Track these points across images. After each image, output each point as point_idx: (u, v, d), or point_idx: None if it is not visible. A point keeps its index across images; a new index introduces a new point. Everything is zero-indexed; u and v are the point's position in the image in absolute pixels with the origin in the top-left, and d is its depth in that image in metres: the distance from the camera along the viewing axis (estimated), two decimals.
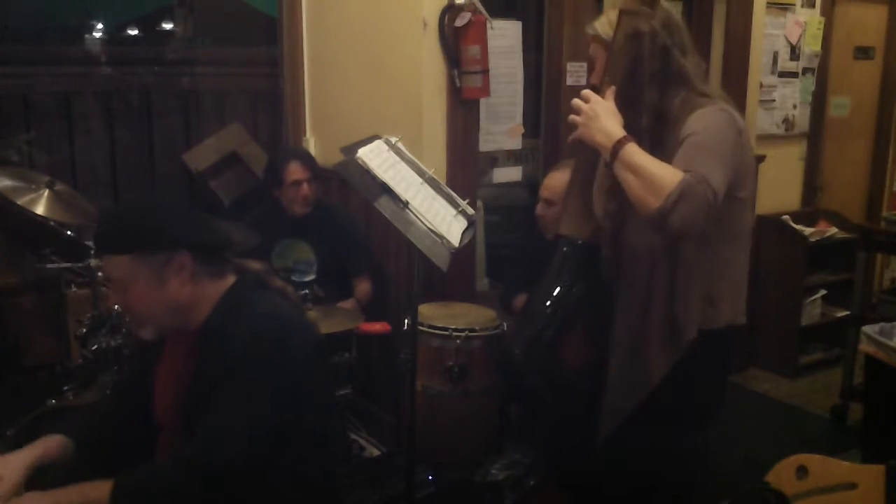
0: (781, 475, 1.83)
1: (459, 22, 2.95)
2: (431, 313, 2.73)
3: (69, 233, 2.79)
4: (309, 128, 3.70)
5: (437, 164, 2.99)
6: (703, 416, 2.06)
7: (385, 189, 1.98)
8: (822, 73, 4.61)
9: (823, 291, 4.45)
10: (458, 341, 2.63)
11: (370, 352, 3.25)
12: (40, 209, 2.73)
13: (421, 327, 2.58)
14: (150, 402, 1.77)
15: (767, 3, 4.21)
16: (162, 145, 3.84)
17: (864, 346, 3.16)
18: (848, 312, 4.21)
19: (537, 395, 2.23)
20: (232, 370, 1.56)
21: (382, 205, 1.95)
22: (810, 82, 4.56)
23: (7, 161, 3.41)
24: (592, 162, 1.89)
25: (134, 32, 4.18)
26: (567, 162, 2.88)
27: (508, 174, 3.65)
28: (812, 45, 4.51)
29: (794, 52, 4.43)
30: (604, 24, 1.99)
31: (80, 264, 2.70)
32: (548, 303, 2.09)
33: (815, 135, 4.68)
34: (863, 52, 4.95)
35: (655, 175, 1.68)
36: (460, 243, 2.05)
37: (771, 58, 4.33)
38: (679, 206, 1.64)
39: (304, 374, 1.63)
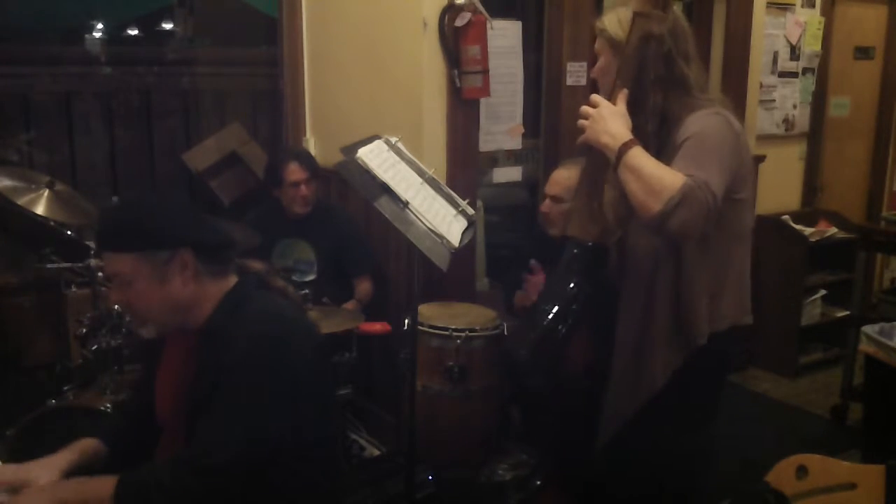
0: (781, 475, 1.82)
1: (459, 22, 2.95)
2: (431, 313, 2.73)
3: (69, 233, 2.79)
4: (309, 128, 3.70)
5: (437, 164, 2.99)
6: (704, 416, 2.06)
7: (385, 189, 1.98)
8: (822, 73, 4.61)
9: (823, 291, 4.45)
10: (458, 341, 2.63)
11: (370, 352, 3.25)
12: (40, 209, 2.72)
13: (421, 327, 2.57)
14: (153, 402, 1.77)
15: (767, 3, 4.21)
16: (162, 145, 3.84)
17: (864, 346, 3.16)
18: (848, 312, 4.21)
19: (542, 397, 2.23)
20: (233, 371, 1.56)
21: (382, 205, 1.95)
22: (810, 82, 4.56)
23: (7, 161, 3.41)
24: (601, 165, 1.89)
25: (134, 32, 4.18)
26: (572, 160, 2.88)
27: (508, 174, 3.65)
28: (812, 45, 4.51)
29: (794, 52, 4.43)
30: (613, 22, 1.97)
31: (80, 264, 2.69)
32: (555, 305, 2.09)
33: (815, 135, 4.69)
34: (863, 52, 4.95)
35: (657, 178, 1.69)
36: (460, 243, 2.05)
37: (771, 58, 4.33)
38: (679, 211, 1.64)
39: (305, 375, 1.63)
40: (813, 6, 4.45)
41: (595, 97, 1.88)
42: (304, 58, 3.64)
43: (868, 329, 3.15)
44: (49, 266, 2.70)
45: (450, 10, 2.96)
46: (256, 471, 1.58)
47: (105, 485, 1.53)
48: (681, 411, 1.97)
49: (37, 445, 1.78)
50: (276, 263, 3.19)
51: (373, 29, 3.24)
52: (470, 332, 2.65)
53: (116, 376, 2.62)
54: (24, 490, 1.60)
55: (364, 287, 3.26)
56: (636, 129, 1.82)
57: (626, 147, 1.76)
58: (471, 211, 2.29)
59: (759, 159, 4.17)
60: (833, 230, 4.44)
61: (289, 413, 1.59)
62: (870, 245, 3.88)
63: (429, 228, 1.98)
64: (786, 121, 4.49)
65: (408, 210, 1.98)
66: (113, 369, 2.64)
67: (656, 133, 1.85)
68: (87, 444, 1.76)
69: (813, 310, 4.42)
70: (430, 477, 2.63)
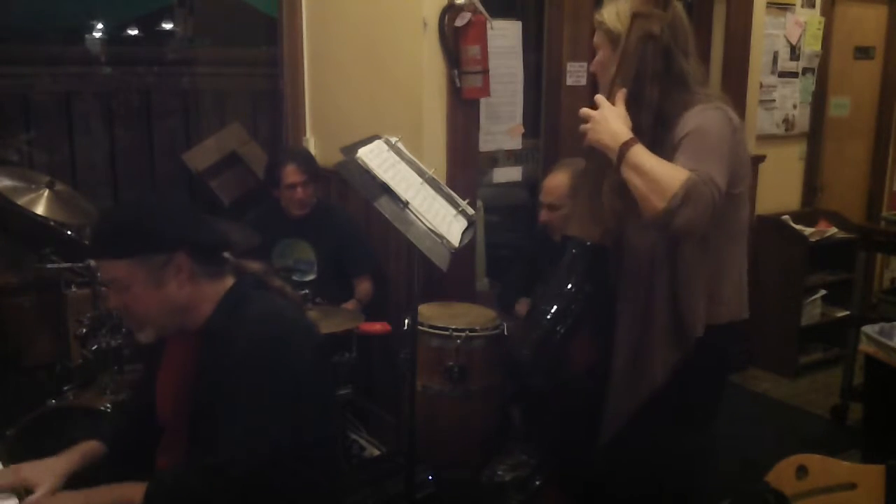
0: (781, 475, 1.82)
1: (459, 22, 2.95)
2: (431, 313, 2.73)
3: (69, 233, 2.79)
4: (309, 128, 3.70)
5: (437, 164, 2.99)
6: (705, 414, 2.06)
7: (385, 189, 1.98)
8: (822, 73, 4.61)
9: (823, 291, 4.45)
10: (458, 341, 2.63)
11: (370, 352, 3.25)
12: (40, 209, 2.72)
13: (421, 327, 2.58)
14: (154, 403, 1.78)
15: (767, 3, 4.21)
16: (162, 145, 3.84)
17: (864, 346, 3.16)
18: (848, 312, 4.21)
19: (543, 396, 2.23)
20: (236, 374, 1.55)
21: (382, 205, 1.95)
22: (810, 82, 4.56)
23: (7, 161, 3.40)
24: (603, 166, 1.89)
25: (134, 32, 4.17)
26: (562, 164, 2.89)
27: (508, 174, 3.65)
28: (812, 45, 4.51)
29: (794, 52, 4.43)
30: (612, 15, 1.97)
31: (80, 264, 2.69)
32: (557, 305, 2.09)
33: (815, 135, 4.69)
34: (863, 52, 4.95)
35: (660, 176, 1.69)
36: (460, 243, 2.05)
37: (771, 58, 4.33)
38: (684, 207, 1.64)
39: (306, 375, 1.63)
40: (813, 6, 4.45)
41: (598, 98, 1.88)
42: (304, 58, 3.64)
43: (868, 329, 3.15)
44: (49, 266, 2.70)
45: (450, 10, 2.96)
46: (259, 472, 1.58)
47: (134, 491, 1.54)
48: (681, 411, 1.97)
49: (37, 445, 1.78)
50: (276, 263, 3.19)
51: (373, 29, 3.24)
52: (470, 332, 2.65)
53: (116, 376, 2.62)
54: (38, 491, 1.60)
55: (364, 287, 3.26)
56: (636, 128, 1.82)
57: (626, 146, 1.76)
58: (471, 211, 2.29)
59: (759, 159, 4.17)
60: (833, 230, 4.44)
61: (291, 413, 1.59)
62: (870, 245, 3.88)
63: (429, 228, 1.98)
64: (786, 121, 4.49)
65: (408, 210, 1.98)
66: (113, 369, 2.64)
67: (651, 128, 1.85)
68: (87, 447, 1.76)
69: (813, 310, 4.42)
70: (430, 477, 2.63)
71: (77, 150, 3.64)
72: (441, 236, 1.98)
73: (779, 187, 4.50)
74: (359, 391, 3.10)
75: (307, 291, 2.93)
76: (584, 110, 1.88)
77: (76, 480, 1.68)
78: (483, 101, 3.18)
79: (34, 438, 2.38)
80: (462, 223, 2.18)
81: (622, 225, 1.96)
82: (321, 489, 1.74)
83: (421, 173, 2.23)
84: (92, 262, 2.63)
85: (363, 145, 2.08)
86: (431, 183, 2.24)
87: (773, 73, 4.36)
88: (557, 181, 2.73)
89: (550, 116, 3.69)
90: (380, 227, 3.22)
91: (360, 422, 3.23)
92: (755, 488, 1.84)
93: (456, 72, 3.01)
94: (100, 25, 3.90)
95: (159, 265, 1.59)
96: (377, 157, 2.05)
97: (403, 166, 2.17)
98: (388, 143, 2.23)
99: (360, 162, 1.98)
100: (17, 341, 3.26)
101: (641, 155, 1.74)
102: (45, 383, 3.03)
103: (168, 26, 4.25)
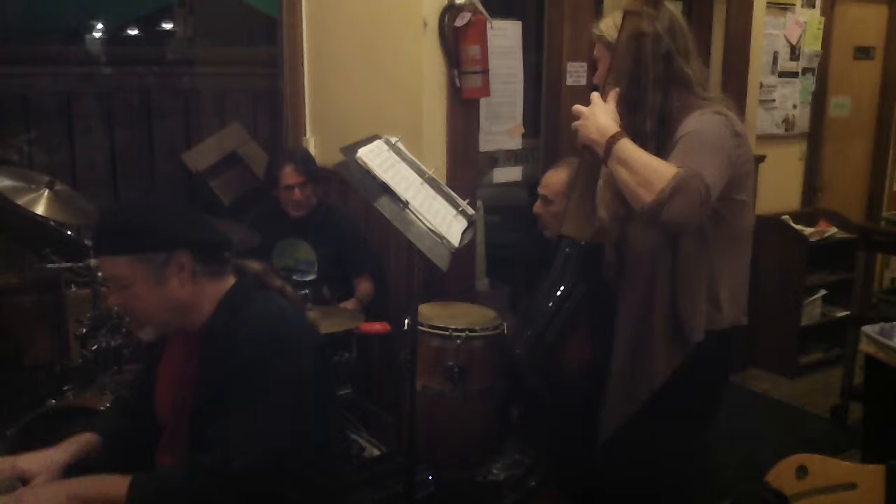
0: (781, 475, 1.83)
1: (459, 22, 2.95)
2: (431, 313, 2.73)
3: (69, 233, 2.79)
4: (309, 128, 3.70)
5: (437, 164, 2.99)
6: (704, 416, 2.06)
7: (385, 189, 1.98)
8: (822, 73, 4.61)
9: (823, 291, 4.45)
10: (458, 341, 2.63)
11: (370, 352, 3.25)
12: (40, 209, 2.72)
13: (421, 327, 2.57)
14: (153, 401, 1.78)
15: (767, 3, 4.21)
16: (162, 145, 3.84)
17: (864, 346, 3.16)
18: (848, 312, 4.21)
19: (538, 396, 2.24)
20: (237, 373, 1.56)
21: (382, 205, 1.95)
22: (810, 82, 4.56)
23: (7, 161, 3.40)
24: (596, 164, 1.89)
25: (134, 32, 4.17)
26: (565, 161, 2.88)
27: (508, 174, 3.65)
28: (812, 45, 4.51)
29: (794, 52, 4.43)
30: (609, 26, 1.99)
31: (80, 264, 2.69)
32: (550, 303, 2.09)
33: (815, 135, 4.69)
34: (863, 52, 4.95)
35: (648, 169, 1.69)
36: (460, 243, 2.05)
37: (771, 58, 4.33)
38: (672, 201, 1.64)
39: (306, 375, 1.63)
40: (813, 6, 4.45)
41: (592, 95, 1.88)
42: (304, 58, 3.64)
43: (868, 329, 3.14)
44: (49, 266, 2.70)
45: (450, 10, 2.96)
46: (259, 472, 1.58)
47: (119, 483, 1.54)
48: (679, 412, 1.97)
49: (37, 445, 1.78)
50: (277, 263, 3.19)
51: (373, 29, 3.24)
52: (470, 332, 2.65)
53: (116, 376, 2.62)
54: (34, 482, 1.61)
55: (364, 287, 3.25)
56: (634, 129, 1.82)
57: (613, 140, 1.76)
58: (471, 211, 2.29)
59: (759, 159, 4.17)
60: (833, 230, 4.44)
61: (291, 414, 1.59)
62: (870, 245, 3.88)
63: (429, 228, 1.98)
64: (786, 121, 4.49)
65: (408, 210, 1.98)
66: (113, 369, 2.64)
67: (655, 132, 1.85)
68: (84, 439, 1.76)
69: (813, 310, 4.43)
70: (430, 477, 2.63)
71: (77, 150, 3.64)
72: (441, 236, 1.98)
73: (779, 187, 4.50)
74: (359, 391, 3.10)
75: (307, 291, 2.93)
76: (576, 107, 1.87)
77: (75, 474, 1.68)
78: (483, 101, 3.18)
79: (34, 438, 2.38)
80: (462, 223, 2.18)
81: (622, 225, 1.95)
82: (321, 489, 1.74)
83: (421, 173, 2.23)
84: (92, 262, 2.63)
85: (363, 145, 2.07)
86: (431, 183, 2.24)
87: (773, 73, 4.36)
88: (556, 176, 2.73)
89: (550, 116, 3.69)
90: (380, 227, 3.22)
91: (360, 422, 3.23)
92: (755, 488, 1.85)
93: (456, 72, 3.01)
94: (100, 25, 3.90)
95: (160, 263, 1.59)
96: (377, 157, 2.05)
97: (403, 166, 2.17)
98: (388, 143, 2.23)
99: (360, 162, 1.98)
100: (17, 341, 3.26)
101: (629, 149, 1.74)
102: (45, 383, 3.03)
103: (168, 26, 4.25)
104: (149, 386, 1.81)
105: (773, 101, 4.40)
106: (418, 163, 2.29)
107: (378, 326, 2.99)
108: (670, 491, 2.04)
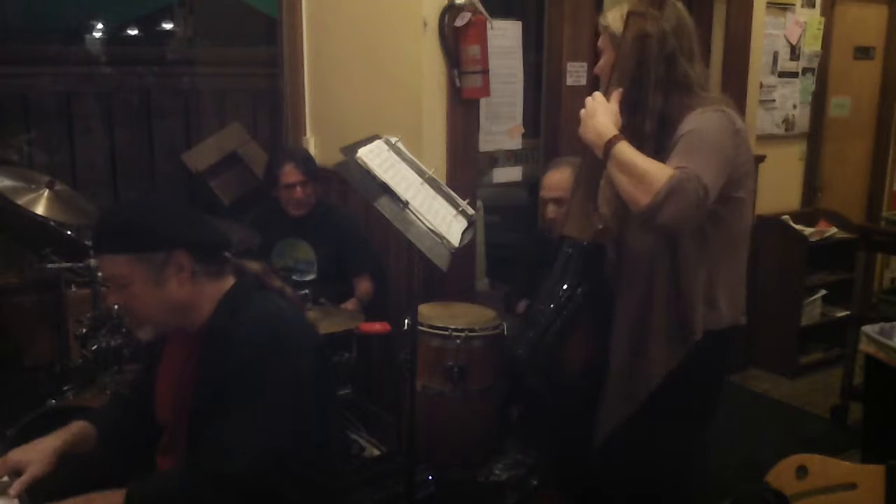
0: (781, 475, 1.83)
1: (459, 22, 2.95)
2: (431, 313, 2.73)
3: (69, 233, 2.79)
4: (309, 128, 3.69)
5: (437, 164, 2.99)
6: (702, 416, 2.06)
7: (385, 189, 1.98)
8: (822, 73, 4.61)
9: (823, 291, 4.45)
10: (458, 341, 2.63)
11: (370, 352, 3.25)
12: (40, 209, 2.72)
13: (421, 327, 2.57)
14: (153, 401, 1.78)
15: (767, 3, 4.21)
16: (162, 145, 3.84)
17: (864, 346, 3.16)
18: (848, 312, 4.21)
19: (538, 396, 2.23)
20: (236, 374, 1.56)
21: (382, 205, 1.95)
22: (810, 82, 4.56)
23: (7, 161, 3.40)
24: (597, 164, 1.89)
25: (134, 32, 4.18)
26: (561, 160, 2.89)
27: (508, 174, 3.65)
28: (812, 45, 4.51)
29: (794, 52, 4.43)
30: (616, 18, 1.97)
31: (80, 264, 2.69)
32: (552, 304, 2.09)
33: (815, 135, 4.69)
34: (863, 52, 4.95)
35: (645, 172, 1.69)
36: (460, 243, 2.05)
37: (771, 58, 4.33)
38: (668, 203, 1.64)
39: (305, 375, 1.63)
40: (813, 6, 4.45)
41: (596, 94, 1.88)
42: (304, 58, 3.64)
43: (868, 329, 3.14)
44: (49, 266, 2.70)
45: (450, 10, 2.96)
46: (259, 472, 1.58)
47: (116, 498, 1.53)
48: (678, 412, 1.97)
49: None
50: (276, 263, 3.18)
51: (373, 29, 3.24)
52: (470, 332, 2.65)
53: (116, 376, 2.62)
54: (29, 470, 1.61)
55: (364, 287, 3.25)
56: (634, 130, 1.82)
57: (611, 143, 1.77)
58: (471, 211, 2.29)
59: (759, 159, 4.17)
60: (833, 230, 4.44)
61: (290, 414, 1.59)
62: (870, 245, 3.88)
63: (429, 228, 1.98)
64: (786, 121, 4.49)
65: (408, 210, 1.98)
66: (113, 369, 2.64)
67: (655, 134, 1.85)
68: (78, 427, 1.77)
69: (813, 310, 4.42)
70: (430, 477, 2.63)
71: (77, 150, 3.64)
72: (441, 236, 1.98)
73: (779, 187, 4.50)
74: (359, 391, 3.10)
75: (307, 291, 2.93)
76: (582, 111, 1.88)
77: (71, 470, 1.68)
78: (483, 101, 3.18)
79: (34, 438, 2.38)
80: (462, 223, 2.18)
81: (622, 225, 1.95)
82: (321, 489, 1.74)
83: (421, 173, 2.23)
84: (92, 262, 2.63)
85: (363, 145, 2.08)
86: (431, 183, 2.24)
87: (773, 73, 4.36)
88: (561, 175, 2.73)
89: (550, 116, 3.69)
90: (380, 227, 3.22)
91: (360, 422, 3.23)
92: (755, 488, 1.85)
93: (456, 72, 3.01)
94: (100, 25, 3.90)
95: (160, 263, 1.59)
96: (377, 157, 2.05)
97: (403, 166, 2.17)
98: (388, 143, 2.23)
99: (360, 162, 1.98)
100: (17, 341, 3.26)
101: (626, 151, 1.74)
102: (45, 383, 3.03)
103: (168, 26, 4.25)
104: (148, 386, 1.81)
105: (773, 101, 4.40)
106: (418, 163, 2.30)
107: (378, 326, 2.99)
108: (669, 491, 2.04)
